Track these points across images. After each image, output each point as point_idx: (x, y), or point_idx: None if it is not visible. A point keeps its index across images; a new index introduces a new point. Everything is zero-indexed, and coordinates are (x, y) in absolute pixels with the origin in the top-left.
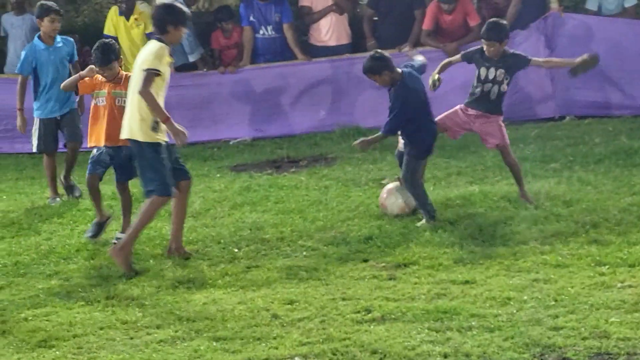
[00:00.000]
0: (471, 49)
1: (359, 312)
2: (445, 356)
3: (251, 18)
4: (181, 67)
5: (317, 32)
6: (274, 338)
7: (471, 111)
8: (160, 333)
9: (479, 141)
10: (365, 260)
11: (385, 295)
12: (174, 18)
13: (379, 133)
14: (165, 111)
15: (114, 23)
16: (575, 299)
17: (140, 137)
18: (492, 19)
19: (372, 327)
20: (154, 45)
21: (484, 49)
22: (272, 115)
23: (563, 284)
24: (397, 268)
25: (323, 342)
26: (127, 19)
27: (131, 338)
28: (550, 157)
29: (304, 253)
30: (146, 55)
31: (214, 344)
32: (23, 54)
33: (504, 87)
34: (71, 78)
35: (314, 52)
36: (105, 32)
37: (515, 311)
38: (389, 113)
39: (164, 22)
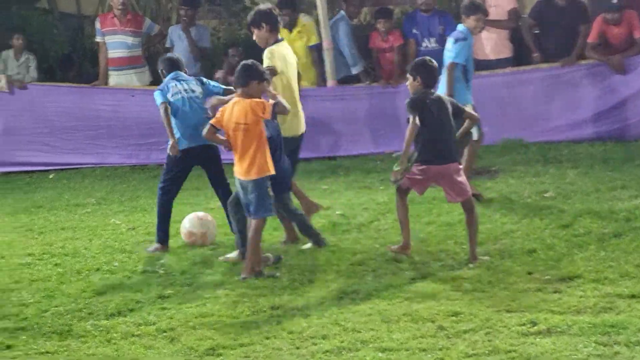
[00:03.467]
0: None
1: (524, 324)
2: None
3: (414, 30)
4: (344, 80)
5: (478, 46)
6: (440, 349)
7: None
8: (326, 343)
9: None
10: (530, 273)
11: (550, 308)
12: None
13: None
14: None
15: None
16: None
17: None
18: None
19: (538, 339)
20: None
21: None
22: None
23: None
24: (562, 281)
25: (489, 354)
26: (290, 31)
27: (297, 348)
28: None
29: (468, 265)
30: None
31: (380, 354)
32: None
33: None
34: None
35: (475, 66)
36: None
37: None
38: None
39: None
